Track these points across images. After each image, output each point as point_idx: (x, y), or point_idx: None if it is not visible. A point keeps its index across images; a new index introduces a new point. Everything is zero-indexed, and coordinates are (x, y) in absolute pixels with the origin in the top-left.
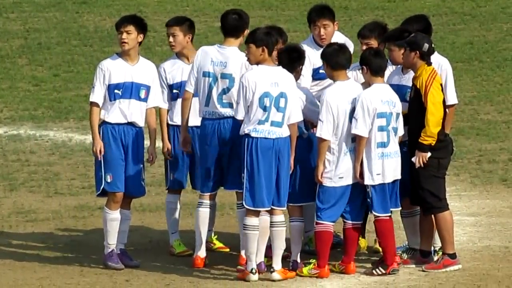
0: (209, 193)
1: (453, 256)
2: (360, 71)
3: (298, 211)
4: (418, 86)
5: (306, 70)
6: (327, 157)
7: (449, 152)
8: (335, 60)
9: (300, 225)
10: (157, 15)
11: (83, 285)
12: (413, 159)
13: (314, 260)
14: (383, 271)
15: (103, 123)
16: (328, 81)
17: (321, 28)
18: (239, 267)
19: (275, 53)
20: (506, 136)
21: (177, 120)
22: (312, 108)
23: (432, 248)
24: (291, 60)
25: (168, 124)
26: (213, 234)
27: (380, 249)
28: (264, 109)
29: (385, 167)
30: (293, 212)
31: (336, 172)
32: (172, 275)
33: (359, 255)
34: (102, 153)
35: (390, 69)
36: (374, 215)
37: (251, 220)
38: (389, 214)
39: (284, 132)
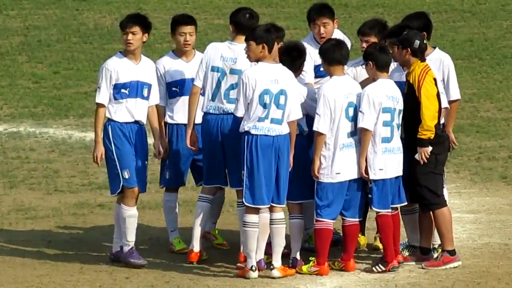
0: (209, 187)
1: (452, 252)
2: (360, 67)
3: (298, 208)
4: (411, 82)
5: (309, 66)
6: (323, 153)
7: (445, 148)
8: (331, 56)
9: (300, 222)
10: (157, 13)
11: (82, 282)
12: (416, 156)
13: (313, 258)
14: (383, 268)
15: (109, 121)
16: (328, 79)
17: (320, 26)
18: (239, 264)
19: (276, 49)
20: (506, 133)
21: (177, 118)
22: (312, 104)
23: (432, 245)
24: (292, 58)
25: (167, 123)
26: (216, 227)
27: (380, 246)
28: (264, 106)
29: (388, 163)
30: (293, 209)
31: (333, 167)
32: (172, 272)
33: (359, 252)
34: (102, 159)
35: (391, 66)
36: (375, 210)
37: (251, 217)
38: (389, 210)
39: (284, 129)
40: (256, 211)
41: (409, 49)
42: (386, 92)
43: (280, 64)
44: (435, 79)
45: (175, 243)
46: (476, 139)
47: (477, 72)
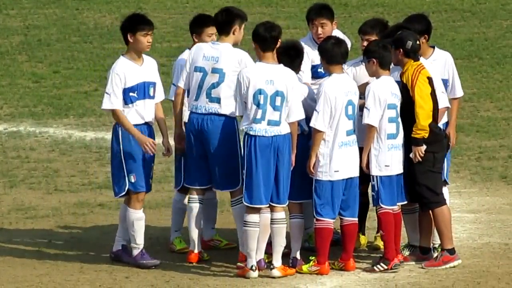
0: (195, 188)
1: (452, 251)
2: (359, 67)
3: (298, 208)
4: (405, 81)
5: (306, 66)
6: (321, 150)
7: (443, 146)
8: (331, 54)
9: (300, 221)
10: (157, 12)
11: (82, 282)
12: (410, 155)
13: (314, 257)
14: (385, 267)
15: (119, 124)
16: (326, 79)
17: (318, 27)
18: (239, 264)
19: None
20: (506, 133)
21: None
22: (312, 104)
23: (432, 245)
24: (290, 57)
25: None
26: (216, 232)
27: (381, 245)
28: (258, 106)
29: (394, 159)
30: (293, 209)
31: (331, 165)
32: (172, 272)
33: (359, 252)
34: (155, 145)
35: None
36: (381, 207)
37: (251, 217)
38: (396, 206)
39: (282, 129)
40: (256, 210)
41: (401, 50)
42: (390, 89)
43: (281, 65)
44: (429, 78)
45: (176, 242)
46: (476, 139)
47: (477, 72)
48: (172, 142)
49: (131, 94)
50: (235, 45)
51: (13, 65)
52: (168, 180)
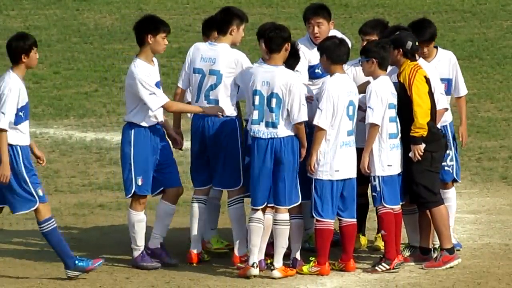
0: (198, 188)
1: (451, 251)
2: (359, 68)
3: (297, 208)
4: (402, 81)
5: (303, 67)
6: (322, 149)
7: (442, 145)
8: (337, 53)
9: (300, 222)
10: (157, 13)
11: (83, 283)
12: (410, 154)
13: (314, 258)
14: (387, 267)
15: (133, 125)
16: (322, 80)
17: (315, 26)
18: (239, 264)
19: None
20: (506, 133)
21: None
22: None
23: (432, 245)
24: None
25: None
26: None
27: (381, 246)
28: (255, 107)
29: (396, 159)
30: (292, 209)
31: (332, 165)
32: (172, 272)
33: (360, 252)
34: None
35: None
36: (384, 206)
37: (256, 213)
38: (397, 206)
39: (280, 132)
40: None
41: (401, 50)
42: (389, 89)
43: (281, 67)
44: (425, 77)
45: (213, 241)
46: (476, 139)
47: (478, 72)
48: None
49: None
50: (233, 45)
51: None
52: None
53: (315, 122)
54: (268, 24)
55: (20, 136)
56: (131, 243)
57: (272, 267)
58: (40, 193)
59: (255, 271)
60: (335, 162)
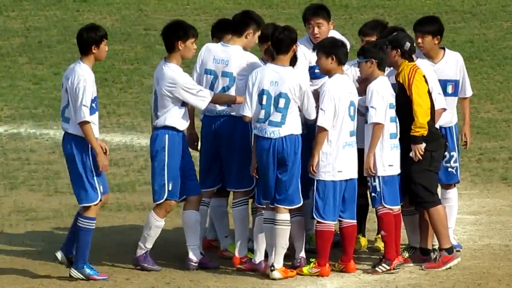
0: (206, 190)
1: (450, 250)
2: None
3: (298, 207)
4: (401, 81)
5: (303, 67)
6: (324, 150)
7: (441, 145)
8: (339, 54)
9: (301, 219)
10: (157, 14)
11: (83, 284)
12: (411, 154)
13: (314, 259)
14: (387, 267)
15: (167, 130)
16: (321, 81)
17: (314, 26)
18: (238, 266)
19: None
20: (506, 134)
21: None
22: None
23: (432, 246)
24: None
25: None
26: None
27: (381, 247)
28: (262, 106)
29: (396, 159)
30: (293, 208)
31: (335, 165)
32: (172, 273)
33: (360, 253)
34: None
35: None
36: (383, 207)
37: (267, 214)
38: (397, 206)
39: (283, 131)
40: (268, 208)
41: (398, 50)
42: (389, 89)
43: (289, 68)
44: (424, 77)
45: (231, 249)
46: (476, 140)
47: (478, 73)
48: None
49: None
50: (244, 49)
51: (13, 66)
52: None
53: (318, 123)
54: (271, 25)
55: (93, 128)
56: (141, 240)
57: (272, 268)
58: (101, 190)
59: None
60: (337, 162)
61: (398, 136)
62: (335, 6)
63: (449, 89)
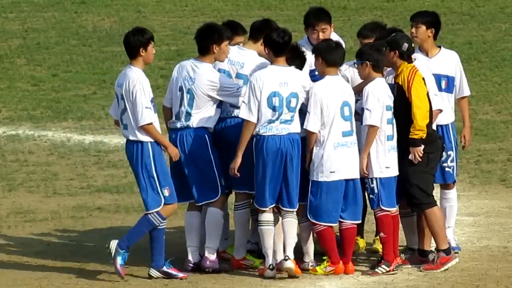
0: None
1: (447, 251)
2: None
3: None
4: (400, 83)
5: (304, 70)
6: (315, 151)
7: (438, 147)
8: (333, 57)
9: (308, 224)
10: (155, 15)
11: (81, 285)
12: (410, 156)
13: (326, 257)
14: (387, 269)
15: (205, 130)
16: None
17: (319, 32)
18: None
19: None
20: (504, 136)
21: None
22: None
23: (430, 248)
24: (290, 59)
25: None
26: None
27: (380, 249)
28: (274, 109)
29: (393, 161)
30: (299, 212)
31: (326, 166)
32: None
33: (358, 255)
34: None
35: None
36: (381, 209)
37: (264, 216)
38: (394, 208)
39: (292, 128)
40: (268, 209)
41: (397, 52)
42: (386, 91)
43: (292, 67)
44: (424, 79)
45: (229, 250)
46: (474, 142)
47: (476, 75)
48: None
49: None
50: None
51: (12, 68)
52: None
53: (304, 126)
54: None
55: (156, 126)
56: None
57: (286, 257)
58: (166, 194)
59: (270, 273)
60: (329, 163)
61: (395, 137)
62: (333, 8)
63: (443, 84)
